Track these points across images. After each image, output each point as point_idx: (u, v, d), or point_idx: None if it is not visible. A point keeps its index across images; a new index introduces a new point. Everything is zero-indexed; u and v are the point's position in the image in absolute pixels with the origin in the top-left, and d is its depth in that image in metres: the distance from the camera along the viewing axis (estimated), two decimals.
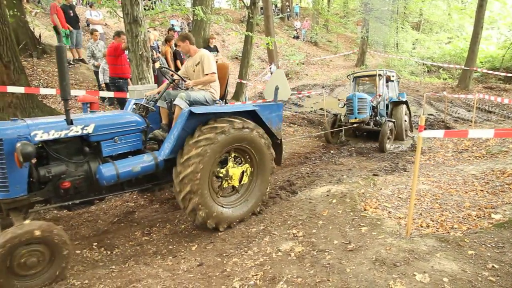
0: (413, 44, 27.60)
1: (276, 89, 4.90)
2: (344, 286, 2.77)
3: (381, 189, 4.97)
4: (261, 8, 19.55)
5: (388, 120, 9.05)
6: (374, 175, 5.96)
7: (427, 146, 8.74)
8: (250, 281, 3.08)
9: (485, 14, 16.83)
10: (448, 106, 12.71)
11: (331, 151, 8.42)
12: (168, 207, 5.09)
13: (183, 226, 4.44)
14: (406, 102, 10.36)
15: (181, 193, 3.81)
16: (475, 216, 4.07)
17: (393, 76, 10.28)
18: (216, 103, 4.66)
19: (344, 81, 18.44)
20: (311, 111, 13.15)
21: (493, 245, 3.10)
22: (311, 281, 2.90)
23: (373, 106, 9.34)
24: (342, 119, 9.70)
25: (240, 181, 4.35)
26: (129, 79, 7.77)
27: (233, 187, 4.38)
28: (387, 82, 10.17)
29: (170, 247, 3.99)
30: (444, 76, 22.31)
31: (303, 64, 22.18)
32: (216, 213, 4.01)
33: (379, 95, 9.54)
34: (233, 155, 4.24)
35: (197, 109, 3.89)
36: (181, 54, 9.62)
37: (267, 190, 4.55)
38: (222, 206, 4.14)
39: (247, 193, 4.40)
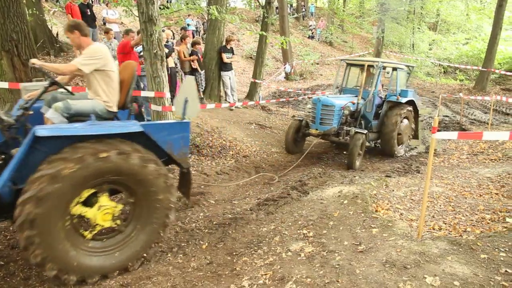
0: (429, 45, 27.21)
1: (185, 101, 3.78)
2: (354, 287, 2.75)
3: (393, 190, 4.92)
4: (276, 8, 19.54)
5: (358, 132, 7.19)
6: (386, 176, 5.91)
7: (441, 148, 8.61)
8: (259, 280, 3.09)
9: (504, 14, 16.48)
10: (464, 107, 12.49)
11: (344, 152, 8.36)
12: (179, 205, 5.13)
13: (193, 225, 4.47)
14: (412, 103, 8.41)
15: (21, 241, 2.86)
16: (489, 220, 3.99)
17: (400, 68, 8.48)
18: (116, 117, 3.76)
19: None
20: None
21: (507, 249, 3.04)
22: (320, 281, 2.89)
23: (348, 113, 7.56)
24: (310, 125, 7.96)
25: (121, 221, 3.39)
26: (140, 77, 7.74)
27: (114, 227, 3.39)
28: (393, 70, 8.12)
29: (180, 245, 4.02)
30: (460, 77, 21.93)
31: (317, 64, 22.07)
32: (78, 265, 3.07)
33: (361, 98, 7.84)
34: (106, 188, 3.26)
35: (45, 130, 2.89)
36: (198, 54, 9.68)
37: (161, 232, 3.52)
38: (92, 254, 3.21)
39: (130, 236, 3.41)
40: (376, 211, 4.15)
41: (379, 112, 8.24)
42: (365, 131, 7.25)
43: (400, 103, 8.07)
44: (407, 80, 9.20)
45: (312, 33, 26.44)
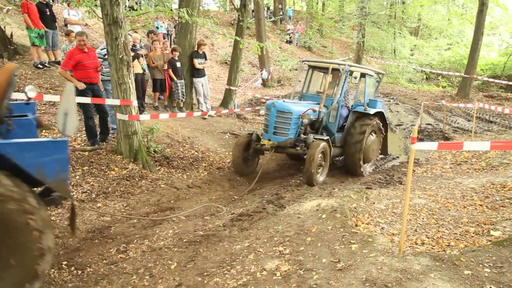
0: (411, 50, 28.07)
1: (65, 115, 3.23)
2: None
3: (374, 203, 4.99)
4: (253, 11, 19.74)
5: (317, 138, 6.60)
6: (367, 188, 5.99)
7: (424, 158, 8.83)
8: None
9: (485, 19, 17.19)
10: (447, 115, 12.89)
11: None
12: (146, 222, 5.03)
13: (162, 243, 4.38)
14: (381, 115, 7.97)
15: None
16: (473, 233, 4.10)
17: (369, 75, 7.95)
18: None
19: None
20: None
21: (491, 265, 3.12)
22: None
23: (307, 122, 6.86)
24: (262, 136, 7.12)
25: None
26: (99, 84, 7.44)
27: None
28: (361, 77, 7.46)
29: (147, 265, 3.93)
30: (443, 83, 22.69)
31: (295, 70, 22.36)
32: None
33: (323, 106, 7.16)
34: None
35: None
36: (176, 62, 9.61)
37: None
38: None
39: None
40: (356, 225, 4.19)
41: (345, 124, 7.69)
42: (327, 138, 6.73)
43: (368, 115, 7.48)
44: (377, 89, 8.82)
45: (290, 37, 26.82)
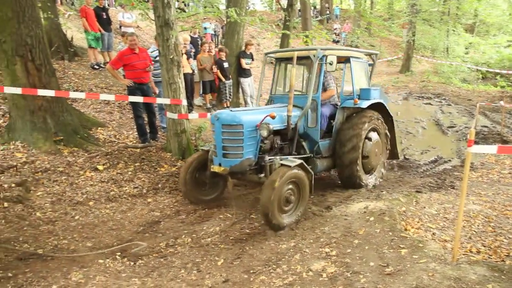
0: (466, 48, 26.68)
1: None
2: None
3: (424, 207, 4.81)
4: (299, 10, 19.64)
5: (284, 164, 4.65)
6: (417, 191, 5.79)
7: (479, 162, 8.39)
8: None
9: None
10: (506, 117, 12.15)
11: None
12: (194, 218, 5.17)
13: (209, 239, 4.49)
14: (380, 107, 6.49)
15: None
16: None
17: (355, 57, 6.35)
18: None
19: (388, 88, 18.09)
20: None
21: None
22: None
23: (267, 134, 5.04)
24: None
25: None
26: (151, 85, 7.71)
27: None
28: (344, 62, 6.25)
29: (195, 260, 4.04)
30: (502, 83, 21.35)
31: (341, 69, 22.01)
32: None
33: (296, 108, 5.54)
34: None
35: None
36: (223, 64, 9.76)
37: None
38: None
39: None
40: (406, 229, 4.07)
41: (332, 122, 6.14)
42: (299, 161, 4.72)
43: (362, 109, 6.06)
44: (371, 74, 7.10)
45: (337, 36, 26.40)
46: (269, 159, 5.00)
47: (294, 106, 5.47)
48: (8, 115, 6.77)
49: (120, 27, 12.86)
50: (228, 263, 3.92)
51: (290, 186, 4.63)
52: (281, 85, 6.65)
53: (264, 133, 5.01)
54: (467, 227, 4.36)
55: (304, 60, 6.05)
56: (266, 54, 6.88)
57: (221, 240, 4.46)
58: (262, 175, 5.03)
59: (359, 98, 6.13)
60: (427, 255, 3.44)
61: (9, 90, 6.03)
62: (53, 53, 9.39)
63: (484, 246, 3.86)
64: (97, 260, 4.06)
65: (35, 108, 6.45)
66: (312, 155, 5.82)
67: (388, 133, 6.70)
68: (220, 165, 5.08)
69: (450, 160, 9.07)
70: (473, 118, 12.69)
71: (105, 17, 10.91)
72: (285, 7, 12.24)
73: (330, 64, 5.43)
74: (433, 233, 4.11)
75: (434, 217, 4.58)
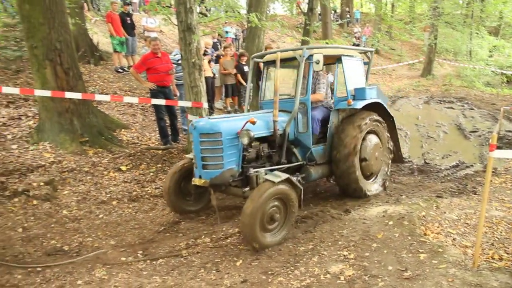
0: (490, 52, 26.04)
1: None
2: None
3: (445, 212, 4.74)
4: (319, 14, 19.58)
5: (267, 180, 4.21)
6: (437, 196, 5.70)
7: (503, 167, 8.18)
8: None
9: None
10: None
11: (391, 169, 8.13)
12: (214, 219, 5.22)
13: (228, 240, 4.53)
14: (379, 107, 6.06)
15: None
16: None
17: (347, 56, 5.84)
18: None
19: (408, 92, 17.83)
20: None
21: None
22: None
23: (248, 141, 4.58)
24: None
25: None
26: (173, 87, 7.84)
27: None
28: (336, 62, 5.84)
29: (214, 260, 4.08)
30: None
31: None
32: None
33: (275, 118, 4.93)
34: None
35: None
36: (244, 69, 9.83)
37: None
38: None
39: None
40: (425, 234, 4.01)
41: (324, 130, 5.69)
42: (285, 176, 4.24)
43: (358, 111, 5.66)
44: (368, 73, 6.64)
45: (357, 40, 26.18)
46: (255, 171, 4.59)
47: (284, 111, 5.25)
48: (38, 117, 6.99)
49: (144, 31, 13.12)
50: (247, 264, 3.94)
51: (276, 203, 4.22)
52: (270, 90, 6.10)
53: (245, 140, 4.56)
54: (490, 233, 4.26)
55: (292, 61, 5.54)
56: (252, 57, 6.37)
57: (240, 241, 4.49)
58: (247, 188, 4.60)
59: (354, 99, 5.67)
60: (447, 261, 3.39)
61: (39, 93, 6.25)
62: (80, 57, 9.66)
63: (507, 253, 3.76)
64: (120, 257, 4.17)
65: (62, 110, 6.66)
66: (305, 162, 5.38)
67: (389, 135, 6.20)
68: (200, 177, 4.68)
69: (472, 165, 8.86)
70: (497, 123, 12.39)
71: (129, 22, 11.17)
72: (306, 11, 12.25)
73: (317, 63, 4.95)
74: (454, 239, 4.04)
75: (454, 223, 4.50)
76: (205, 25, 8.77)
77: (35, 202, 5.16)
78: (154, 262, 4.13)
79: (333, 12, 27.87)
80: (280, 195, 4.23)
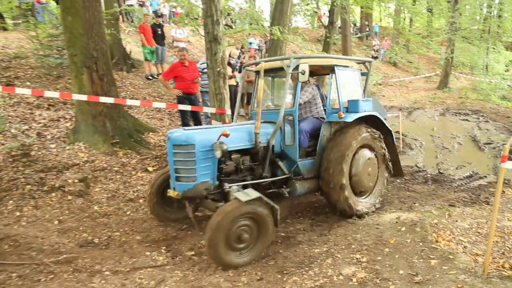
0: (506, 66, 25.38)
1: None
2: None
3: (457, 221, 4.65)
4: (339, 28, 19.55)
5: (237, 197, 3.88)
6: (450, 205, 5.59)
7: None
8: None
9: None
10: None
11: (405, 177, 8.03)
12: None
13: None
14: (374, 120, 5.51)
15: None
16: None
17: (341, 66, 5.34)
18: None
19: (424, 104, 17.54)
20: None
21: None
22: None
23: (220, 155, 4.26)
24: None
25: None
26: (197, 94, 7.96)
27: None
28: (330, 72, 5.33)
29: None
30: None
31: (380, 85, 21.57)
32: None
33: (257, 130, 4.58)
34: None
35: None
36: None
37: None
38: None
39: None
40: (436, 241, 3.95)
41: (313, 144, 5.26)
42: (256, 195, 3.87)
43: (350, 124, 5.13)
44: (366, 85, 6.16)
45: (376, 53, 25.96)
46: (229, 186, 4.32)
47: (272, 122, 4.91)
48: (74, 119, 7.23)
49: (173, 41, 13.39)
50: (263, 263, 3.98)
51: (246, 222, 3.88)
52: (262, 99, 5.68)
53: (218, 154, 4.23)
54: (501, 242, 4.16)
55: (282, 71, 5.14)
56: (244, 67, 5.98)
57: None
58: (221, 203, 4.23)
59: (347, 111, 5.23)
60: (457, 267, 3.33)
61: (76, 97, 6.47)
62: (114, 65, 9.93)
63: None
64: (145, 252, 4.26)
65: (96, 113, 6.86)
66: (290, 176, 4.97)
67: (386, 149, 5.60)
68: (174, 189, 4.43)
69: (485, 176, 8.65)
70: (511, 135, 12.07)
71: (160, 32, 11.43)
72: (326, 25, 12.26)
73: (302, 73, 4.46)
74: (465, 246, 3.96)
75: (466, 231, 4.41)
76: (230, 36, 8.90)
77: (69, 197, 5.34)
78: (176, 257, 4.21)
79: (352, 25, 27.73)
80: (251, 215, 3.86)
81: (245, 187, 4.50)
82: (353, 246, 4.05)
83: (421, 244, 3.83)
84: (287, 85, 4.85)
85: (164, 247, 4.41)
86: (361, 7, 24.82)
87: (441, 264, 3.40)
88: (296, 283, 3.47)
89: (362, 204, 5.17)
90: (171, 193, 4.47)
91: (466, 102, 17.28)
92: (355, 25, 30.58)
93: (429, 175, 8.13)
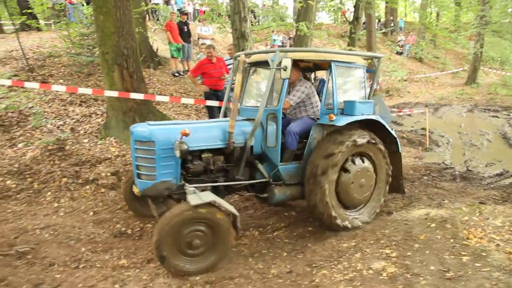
0: None
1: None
2: None
3: (488, 219, 4.55)
4: (364, 23, 19.29)
5: (188, 199, 3.57)
6: (480, 203, 5.48)
7: None
8: None
9: None
10: None
11: (432, 174, 7.90)
12: (261, 213, 5.34)
13: (275, 233, 4.64)
14: (375, 125, 4.80)
15: None
16: None
17: (339, 62, 4.64)
18: None
19: (451, 100, 17.10)
20: (412, 131, 12.50)
21: None
22: None
23: (180, 154, 3.91)
24: None
25: None
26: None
27: None
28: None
29: (261, 251, 4.20)
30: None
31: (405, 81, 21.16)
32: None
33: (231, 130, 4.19)
34: None
35: None
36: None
37: None
38: None
39: None
40: (468, 238, 3.89)
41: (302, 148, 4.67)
42: (208, 199, 3.54)
43: (343, 128, 4.48)
44: (373, 84, 5.45)
45: (401, 48, 25.45)
46: (190, 186, 3.95)
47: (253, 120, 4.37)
48: (105, 115, 7.45)
49: (198, 39, 13.55)
50: (292, 256, 4.03)
51: (199, 228, 3.56)
52: (251, 95, 5.25)
53: (177, 153, 3.89)
54: None
55: (261, 65, 4.82)
56: (235, 57, 5.17)
57: (286, 235, 4.58)
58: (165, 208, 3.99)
59: (342, 113, 4.65)
60: (491, 264, 3.29)
61: (108, 93, 6.67)
62: (141, 62, 10.15)
63: None
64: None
65: (127, 109, 7.04)
66: (270, 180, 4.53)
67: (386, 160, 4.82)
68: (136, 186, 4.19)
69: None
70: None
71: (186, 30, 11.59)
72: (351, 20, 12.13)
73: (284, 69, 4.01)
74: (497, 244, 3.88)
75: (498, 229, 4.31)
76: (256, 33, 8.94)
77: (103, 190, 5.53)
78: None
79: (377, 21, 27.24)
80: (203, 220, 3.55)
81: (216, 188, 4.26)
82: (381, 241, 4.03)
83: (452, 240, 3.78)
84: (271, 80, 4.30)
85: None
86: (386, 2, 24.29)
87: (473, 261, 3.36)
88: (326, 276, 3.50)
89: (351, 218, 4.57)
90: (134, 189, 4.30)
91: (496, 98, 16.73)
92: (379, 20, 30.06)
93: (457, 173, 7.97)
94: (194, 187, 3.96)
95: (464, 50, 27.18)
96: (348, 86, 5.02)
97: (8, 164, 5.82)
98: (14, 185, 5.37)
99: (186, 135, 3.88)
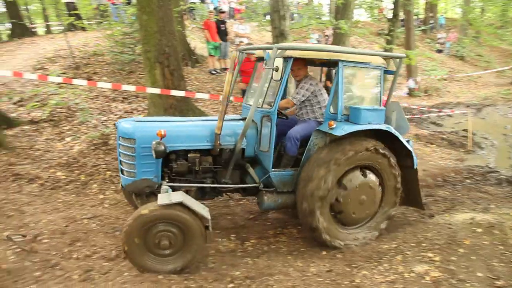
0: None
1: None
2: None
3: None
4: (402, 20, 18.75)
5: (159, 198, 3.48)
6: None
7: None
8: None
9: None
10: None
11: (476, 178, 7.59)
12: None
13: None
14: (387, 137, 4.30)
15: None
16: None
17: (347, 62, 4.12)
18: None
19: (495, 100, 16.34)
20: (452, 132, 12.06)
21: None
22: None
23: (157, 154, 3.76)
24: None
25: None
26: None
27: None
28: (334, 65, 4.36)
29: (300, 249, 4.21)
30: None
31: (445, 80, 20.40)
32: None
33: (218, 131, 3.95)
34: None
35: None
36: (332, 75, 9.80)
37: None
38: None
39: None
40: None
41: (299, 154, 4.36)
42: (177, 200, 3.41)
43: (346, 137, 4.07)
44: (392, 88, 4.89)
45: (441, 46, 24.53)
46: (167, 185, 3.85)
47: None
48: (146, 111, 7.69)
49: (235, 37, 13.66)
50: (331, 255, 4.01)
51: (168, 228, 3.42)
52: (254, 92, 4.72)
53: (153, 153, 3.75)
54: None
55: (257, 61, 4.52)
56: (240, 50, 4.79)
57: None
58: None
59: (347, 120, 4.24)
60: None
61: (150, 90, 6.87)
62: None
63: None
64: (214, 238, 4.41)
65: (167, 106, 7.22)
66: (260, 185, 4.26)
67: (397, 173, 4.35)
68: (124, 185, 4.12)
69: None
70: None
71: (223, 28, 11.71)
72: (389, 18, 11.83)
73: (276, 70, 3.69)
74: None
75: None
76: (294, 31, 8.93)
77: None
78: (244, 245, 4.36)
79: (416, 17, 26.41)
80: (169, 220, 3.41)
81: (203, 189, 4.21)
82: (423, 245, 3.94)
83: (501, 247, 3.64)
84: (265, 79, 3.95)
85: (233, 235, 4.59)
86: None
87: None
88: (366, 277, 3.46)
89: (346, 235, 4.24)
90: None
91: None
92: (418, 17, 29.13)
93: (503, 177, 7.61)
94: (175, 186, 3.90)
95: (511, 47, 25.85)
96: (359, 90, 4.57)
97: (58, 157, 6.14)
98: (64, 177, 5.66)
99: (161, 136, 3.72)
